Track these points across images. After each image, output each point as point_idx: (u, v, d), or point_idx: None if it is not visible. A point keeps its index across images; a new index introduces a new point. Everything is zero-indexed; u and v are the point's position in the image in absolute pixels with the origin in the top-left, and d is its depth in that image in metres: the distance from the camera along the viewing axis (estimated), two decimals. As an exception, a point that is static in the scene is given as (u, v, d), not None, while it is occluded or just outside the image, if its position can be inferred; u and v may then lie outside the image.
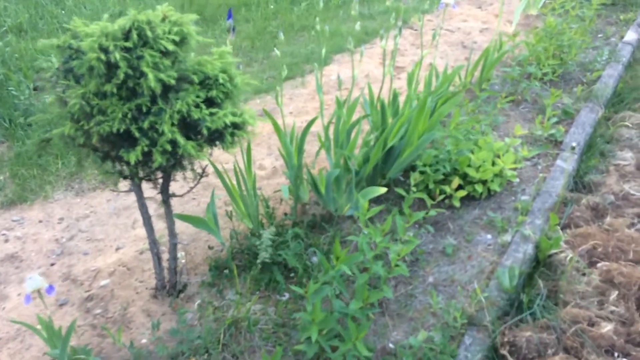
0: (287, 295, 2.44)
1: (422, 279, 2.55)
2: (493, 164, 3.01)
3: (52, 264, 2.72)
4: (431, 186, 2.89)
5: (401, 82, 4.45)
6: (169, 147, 1.74)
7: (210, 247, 2.67)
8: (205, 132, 1.81)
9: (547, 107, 3.56)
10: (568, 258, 2.51)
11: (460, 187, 2.94)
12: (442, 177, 2.90)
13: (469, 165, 2.95)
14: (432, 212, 2.64)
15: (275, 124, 2.82)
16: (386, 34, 2.79)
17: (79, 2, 5.97)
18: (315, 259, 2.62)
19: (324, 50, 2.85)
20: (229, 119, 1.84)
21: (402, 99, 3.17)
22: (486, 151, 2.99)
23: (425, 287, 2.51)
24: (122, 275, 2.58)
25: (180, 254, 2.54)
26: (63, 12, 5.75)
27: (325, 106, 4.21)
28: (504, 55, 4.10)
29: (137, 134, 1.71)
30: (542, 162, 3.34)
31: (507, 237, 2.75)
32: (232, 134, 1.90)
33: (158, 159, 1.75)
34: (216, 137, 1.89)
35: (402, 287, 2.51)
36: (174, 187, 2.34)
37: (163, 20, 1.75)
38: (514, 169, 3.10)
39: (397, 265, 2.24)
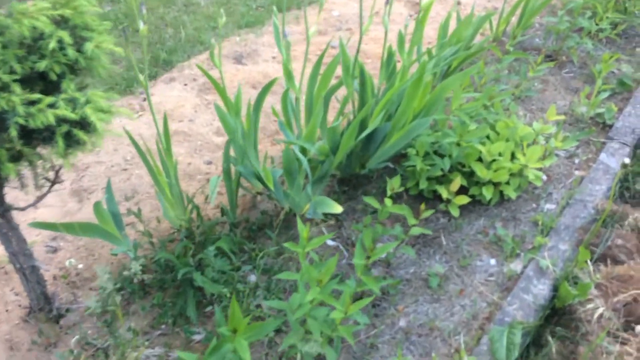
0: (201, 333, 1.80)
1: (390, 322, 1.87)
2: (512, 157, 2.23)
3: None
4: (423, 185, 2.14)
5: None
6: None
7: (114, 254, 2.02)
8: (14, 132, 1.10)
9: (598, 76, 2.69)
10: (597, 314, 1.79)
11: (462, 190, 2.19)
12: (440, 172, 2.14)
13: (479, 159, 2.18)
14: (415, 231, 1.91)
15: (218, 87, 2.07)
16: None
17: None
18: (253, 278, 1.96)
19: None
20: (58, 113, 1.12)
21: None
22: (504, 141, 2.20)
23: (393, 334, 1.84)
24: (-3, 281, 1.97)
25: (69, 261, 1.90)
26: None
27: (319, 51, 3.40)
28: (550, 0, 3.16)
29: None
30: (582, 153, 2.53)
31: (516, 266, 2.03)
32: (68, 136, 1.18)
33: None
34: (45, 137, 1.18)
35: (363, 332, 1.84)
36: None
37: None
38: (541, 168, 2.31)
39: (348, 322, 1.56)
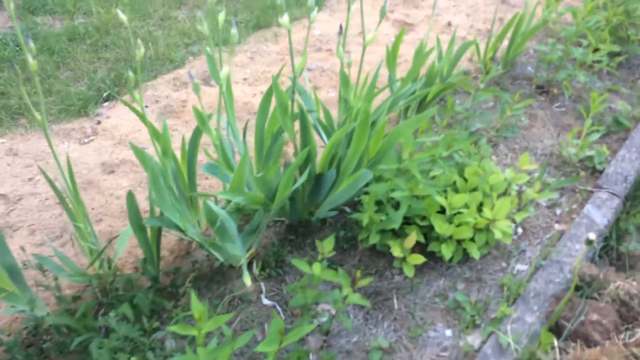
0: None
1: (319, 404, 1.62)
2: (480, 208, 1.97)
3: None
4: (374, 240, 1.89)
5: (406, 49, 3.32)
6: None
7: (10, 313, 1.79)
8: None
9: (587, 115, 2.42)
10: (559, 409, 1.52)
11: (419, 246, 1.93)
12: (394, 225, 1.89)
13: (441, 211, 1.93)
14: (353, 299, 1.66)
15: (142, 118, 1.83)
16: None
17: None
18: (168, 345, 1.72)
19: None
20: None
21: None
22: (468, 192, 1.95)
23: (321, 419, 1.59)
24: None
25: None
26: None
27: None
28: (544, 25, 2.90)
29: None
30: (565, 202, 2.25)
31: (474, 340, 1.77)
32: None
33: None
34: None
35: (285, 415, 1.60)
36: None
37: None
38: (513, 222, 2.04)
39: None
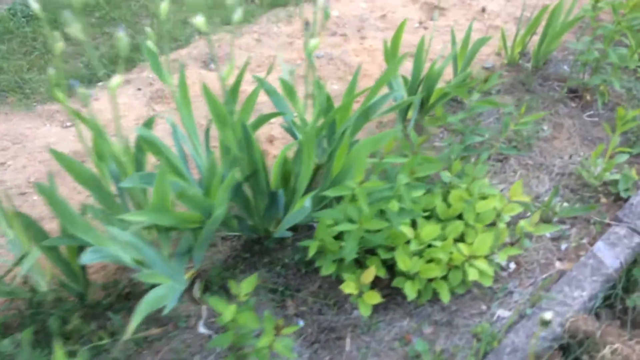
0: None
1: None
2: (460, 241, 1.68)
3: None
4: (328, 270, 1.65)
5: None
6: None
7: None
8: None
9: (614, 132, 2.03)
10: None
11: (386, 279, 1.68)
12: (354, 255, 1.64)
13: (408, 242, 1.65)
14: (278, 347, 1.43)
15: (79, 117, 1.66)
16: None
17: None
18: (87, 369, 1.57)
19: None
20: None
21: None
22: (448, 221, 1.66)
23: None
24: None
25: None
26: None
27: (300, 59, 2.89)
28: (580, 20, 2.49)
29: None
30: (575, 234, 1.92)
31: (429, 400, 1.51)
32: None
33: None
34: None
35: None
36: None
37: None
38: (502, 260, 1.73)
39: None
